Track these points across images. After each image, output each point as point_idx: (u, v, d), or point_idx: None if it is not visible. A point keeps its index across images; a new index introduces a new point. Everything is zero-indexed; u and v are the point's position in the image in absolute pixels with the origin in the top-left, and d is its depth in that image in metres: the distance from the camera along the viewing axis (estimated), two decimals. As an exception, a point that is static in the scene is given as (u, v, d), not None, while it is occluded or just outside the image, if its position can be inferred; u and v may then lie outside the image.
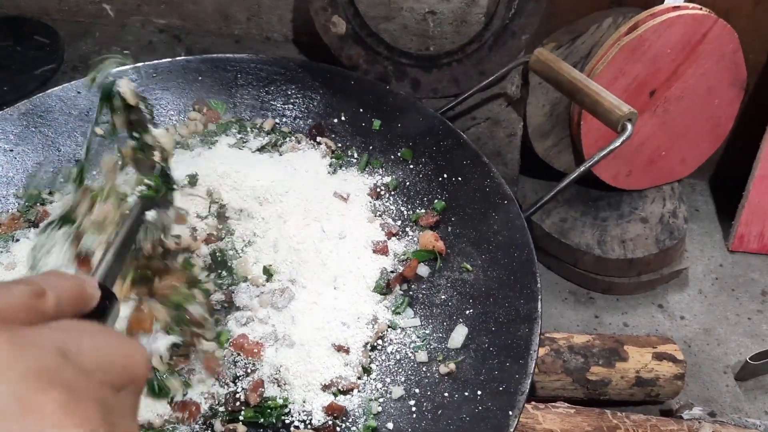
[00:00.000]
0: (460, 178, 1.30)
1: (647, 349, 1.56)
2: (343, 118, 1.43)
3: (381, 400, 1.02)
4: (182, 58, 1.51)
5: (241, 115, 1.48)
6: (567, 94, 1.32)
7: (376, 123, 1.41)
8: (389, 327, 1.12)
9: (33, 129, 1.38)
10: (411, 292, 1.16)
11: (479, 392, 1.00)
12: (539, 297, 1.08)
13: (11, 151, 1.35)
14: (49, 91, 1.43)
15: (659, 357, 1.55)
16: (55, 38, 1.73)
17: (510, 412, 0.95)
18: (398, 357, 1.08)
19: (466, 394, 1.00)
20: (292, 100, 1.48)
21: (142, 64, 1.49)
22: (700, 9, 1.68)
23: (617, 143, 1.21)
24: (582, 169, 1.22)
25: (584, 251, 1.78)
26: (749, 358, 1.63)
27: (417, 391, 1.03)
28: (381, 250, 1.21)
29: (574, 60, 1.70)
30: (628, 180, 1.86)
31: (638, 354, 1.55)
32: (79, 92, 1.44)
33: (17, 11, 1.79)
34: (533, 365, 1.00)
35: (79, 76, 1.65)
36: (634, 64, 1.67)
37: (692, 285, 1.88)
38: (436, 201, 1.28)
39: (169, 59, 1.50)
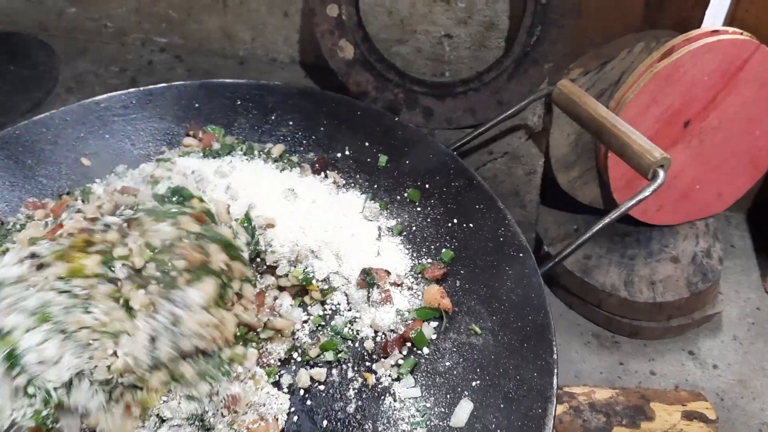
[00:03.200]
0: (471, 225, 1.18)
1: (676, 407, 1.43)
2: (347, 153, 1.32)
3: (373, 486, 0.91)
4: (179, 83, 1.42)
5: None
6: (592, 133, 1.20)
7: (383, 159, 1.30)
8: (387, 394, 1.01)
9: (14, 160, 1.29)
10: (412, 356, 1.05)
11: (483, 484, 0.88)
12: (555, 371, 0.96)
13: (-11, 182, 1.26)
14: (36, 118, 1.34)
15: (689, 416, 1.42)
16: (51, 57, 1.65)
17: None
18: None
19: (468, 484, 0.89)
20: (294, 130, 1.37)
21: (135, 89, 1.39)
22: (741, 34, 1.54)
23: (647, 192, 1.09)
24: (607, 220, 1.09)
25: (609, 292, 1.65)
26: (789, 418, 1.49)
27: (412, 475, 0.92)
28: (385, 299, 1.10)
29: (603, 87, 1.57)
30: (659, 215, 1.73)
31: (666, 413, 1.42)
32: (66, 119, 1.35)
33: (14, 27, 1.71)
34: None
35: (73, 99, 1.57)
36: (667, 92, 1.54)
37: (726, 330, 1.74)
38: (443, 250, 1.16)
39: (165, 84, 1.41)
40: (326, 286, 1.13)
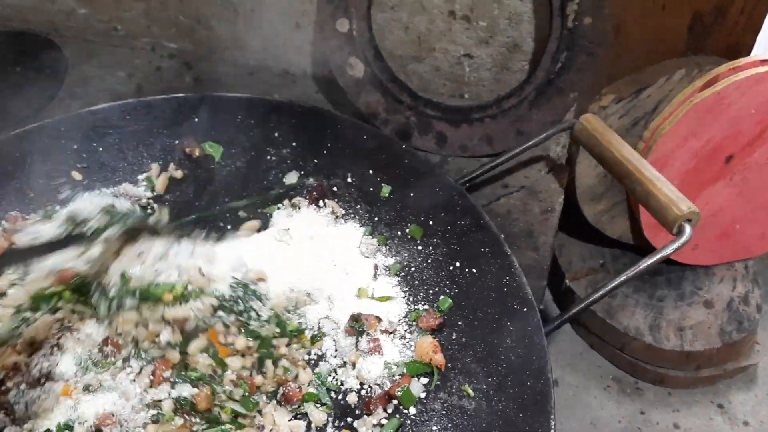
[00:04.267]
0: (474, 270, 1.08)
1: (698, 472, 1.31)
2: (349, 180, 1.23)
3: None
4: (180, 95, 1.34)
5: (237, 162, 1.30)
6: (615, 177, 1.08)
7: (386, 189, 1.20)
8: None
9: (3, 172, 1.23)
10: (397, 416, 0.95)
11: None
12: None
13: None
14: (29, 127, 1.28)
15: (712, 483, 1.30)
16: (59, 59, 1.59)
17: None
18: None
19: None
20: (295, 152, 1.29)
21: (134, 100, 1.33)
22: (796, 64, 1.40)
23: (669, 251, 0.97)
24: (623, 278, 0.97)
25: (633, 336, 1.53)
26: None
27: None
28: (373, 349, 1.01)
29: (637, 115, 1.45)
30: (695, 254, 1.59)
31: (686, 477, 1.30)
32: (61, 129, 1.29)
33: (25, 25, 1.66)
34: None
35: (76, 105, 1.51)
36: (709, 125, 1.41)
37: (761, 384, 1.59)
38: (442, 297, 1.06)
39: (165, 96, 1.34)
40: (317, 332, 1.04)
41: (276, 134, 1.30)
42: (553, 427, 0.88)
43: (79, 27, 1.62)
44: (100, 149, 1.29)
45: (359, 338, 1.02)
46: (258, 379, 0.94)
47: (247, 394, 0.92)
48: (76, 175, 1.26)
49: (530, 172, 1.31)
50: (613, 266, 1.64)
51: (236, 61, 1.56)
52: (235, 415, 0.89)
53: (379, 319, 1.03)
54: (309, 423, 0.95)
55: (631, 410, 1.56)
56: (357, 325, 1.02)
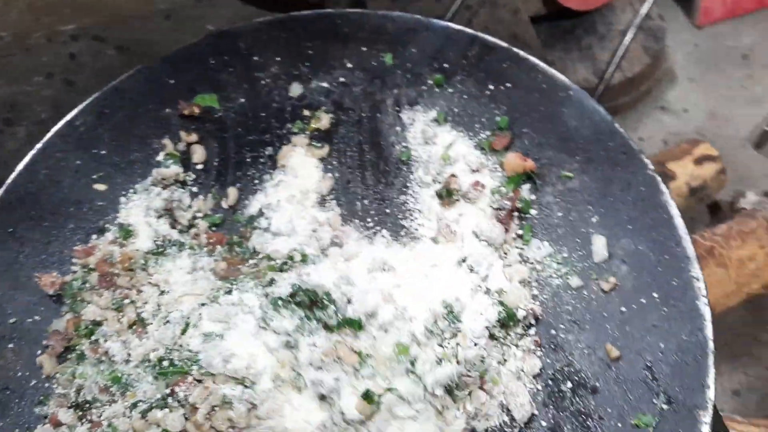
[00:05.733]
0: (508, 84, 1.22)
1: (686, 161, 1.62)
2: (349, 66, 1.30)
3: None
4: (139, 66, 1.30)
5: (238, 100, 1.30)
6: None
7: (388, 57, 1.28)
8: (524, 261, 1.09)
9: (31, 217, 1.17)
10: (525, 221, 1.13)
11: (655, 294, 1.01)
12: (660, 182, 1.07)
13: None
14: (20, 168, 1.20)
15: (699, 161, 1.61)
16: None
17: (698, 302, 0.98)
18: (551, 291, 1.06)
19: (643, 301, 1.01)
20: (285, 64, 1.31)
21: (101, 93, 1.27)
22: None
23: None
24: (634, 29, 1.17)
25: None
26: (767, 126, 1.71)
27: (588, 316, 1.03)
28: (476, 187, 1.14)
29: None
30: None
31: (681, 167, 1.60)
32: (56, 155, 1.22)
33: None
34: (691, 248, 1.01)
35: (21, 130, 1.42)
36: None
37: (681, 76, 1.92)
38: (497, 119, 1.21)
39: (128, 73, 1.29)
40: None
41: (255, 58, 1.31)
42: (649, 164, 1.09)
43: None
44: (103, 152, 1.25)
45: (454, 198, 1.15)
46: None
47: None
48: (100, 187, 1.23)
49: (478, -14, 1.43)
50: (551, 39, 1.82)
51: (144, 12, 1.50)
52: None
53: (453, 176, 1.15)
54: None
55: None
56: (446, 193, 1.13)
